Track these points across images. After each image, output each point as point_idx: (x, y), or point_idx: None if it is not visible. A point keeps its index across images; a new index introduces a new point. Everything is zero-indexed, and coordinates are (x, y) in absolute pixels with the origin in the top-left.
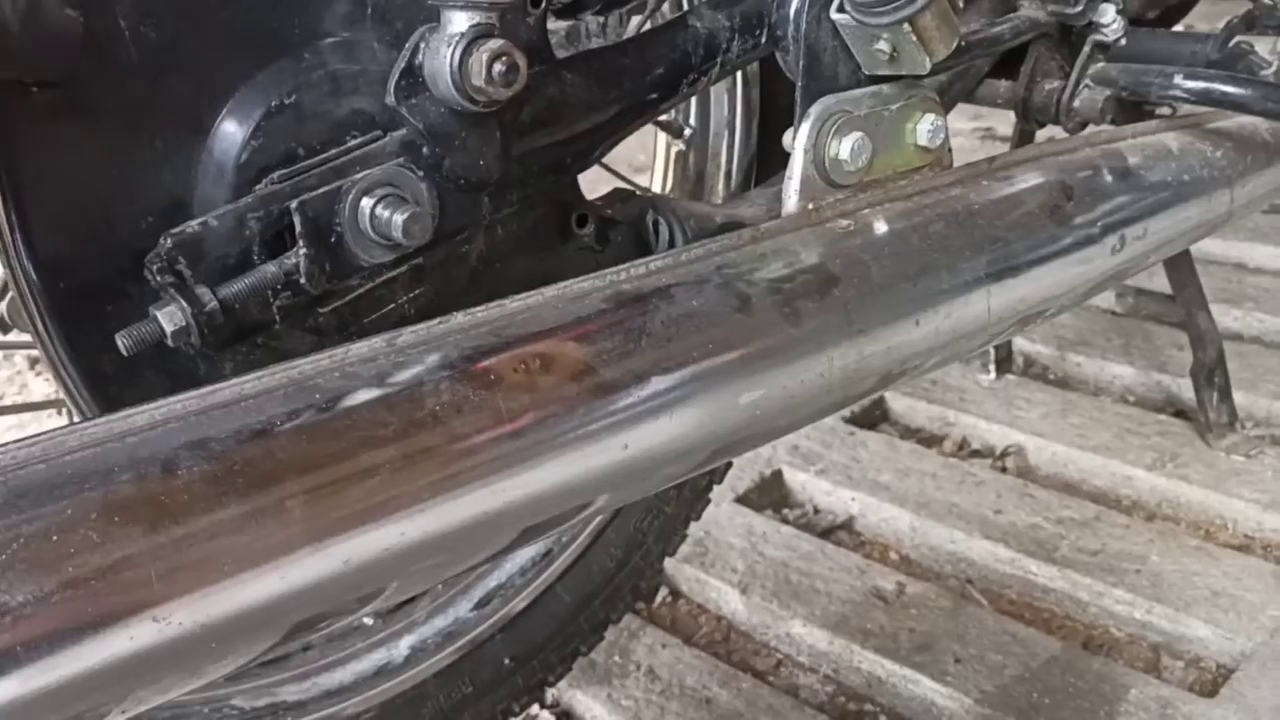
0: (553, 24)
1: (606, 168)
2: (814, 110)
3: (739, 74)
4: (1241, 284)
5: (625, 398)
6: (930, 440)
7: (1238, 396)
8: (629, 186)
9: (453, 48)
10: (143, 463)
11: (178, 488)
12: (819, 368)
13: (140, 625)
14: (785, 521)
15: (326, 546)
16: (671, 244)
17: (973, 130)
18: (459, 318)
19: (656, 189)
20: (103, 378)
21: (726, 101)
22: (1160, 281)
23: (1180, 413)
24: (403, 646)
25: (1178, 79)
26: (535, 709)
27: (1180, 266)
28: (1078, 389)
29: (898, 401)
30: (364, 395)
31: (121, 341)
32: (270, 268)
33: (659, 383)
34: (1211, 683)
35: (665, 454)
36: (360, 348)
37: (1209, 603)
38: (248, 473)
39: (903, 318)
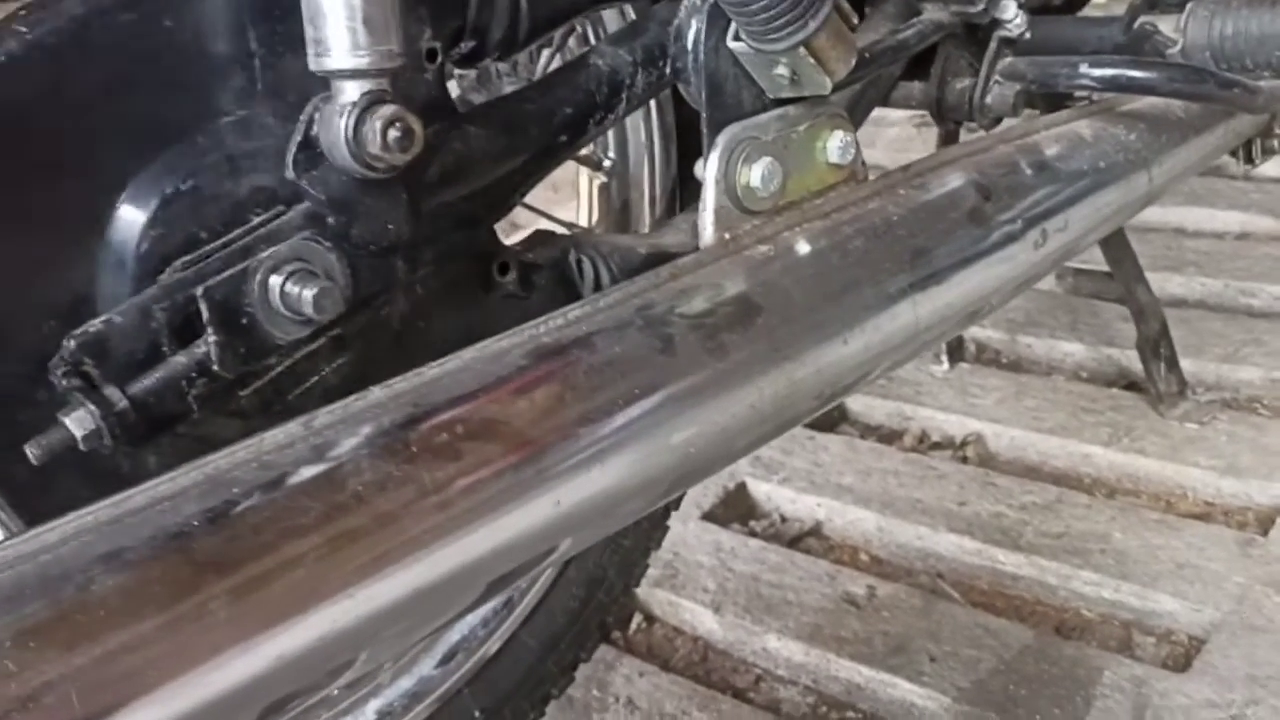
0: (461, 70)
1: (527, 205)
2: (721, 139)
3: (652, 102)
4: (1181, 249)
5: (553, 454)
6: (890, 436)
7: (1186, 363)
8: (551, 226)
9: (345, 118)
10: (55, 582)
11: (93, 603)
12: (749, 399)
13: None
14: (753, 534)
15: (255, 644)
16: (597, 281)
17: (909, 119)
18: (376, 392)
19: (583, 223)
20: (18, 489)
21: (643, 130)
22: (1099, 258)
23: (1132, 385)
24: (369, 712)
25: (1084, 68)
26: None
27: (1114, 243)
28: (1030, 370)
29: (855, 401)
30: (283, 484)
31: (31, 452)
32: (181, 359)
33: (586, 435)
34: (1184, 656)
35: (599, 505)
36: (276, 435)
37: (1175, 575)
38: (166, 579)
39: (830, 338)
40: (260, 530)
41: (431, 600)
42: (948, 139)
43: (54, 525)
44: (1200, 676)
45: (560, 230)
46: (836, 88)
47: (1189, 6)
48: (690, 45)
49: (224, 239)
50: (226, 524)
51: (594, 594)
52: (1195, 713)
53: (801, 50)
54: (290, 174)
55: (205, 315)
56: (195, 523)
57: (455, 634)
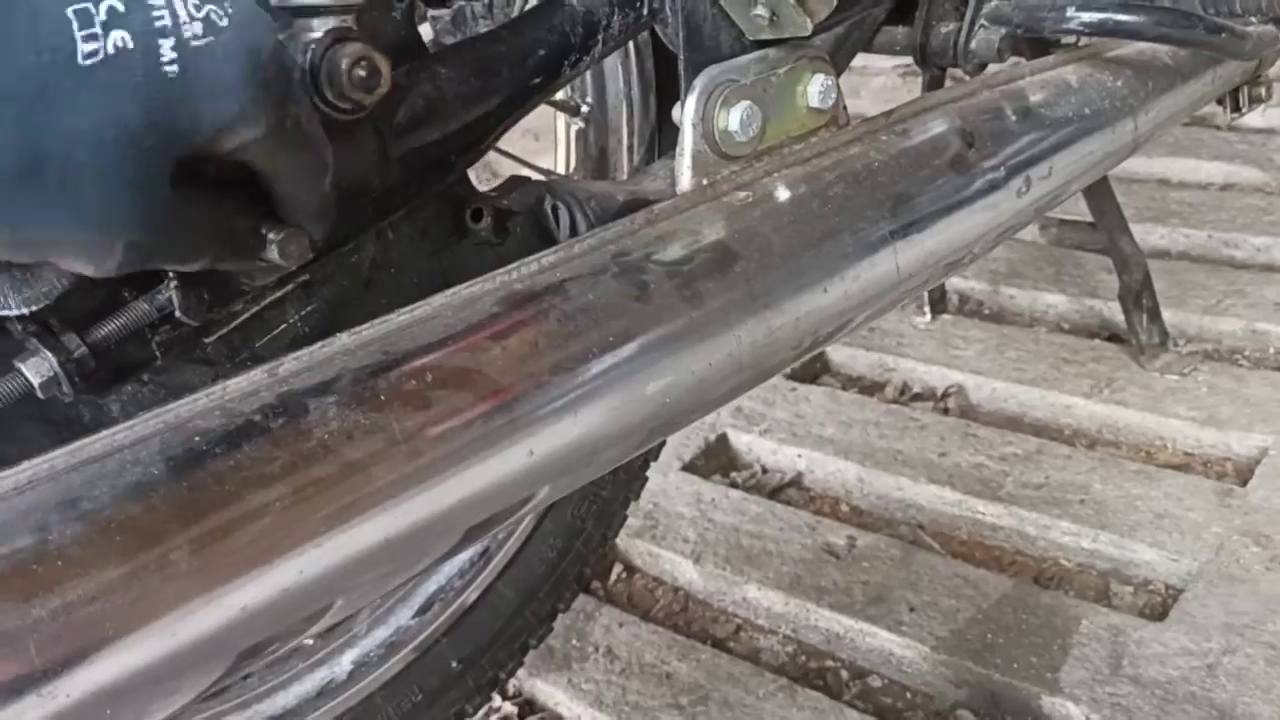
0: (435, 11)
1: (502, 152)
2: (699, 82)
3: (631, 45)
4: (1165, 199)
5: (526, 403)
6: (872, 388)
7: (1167, 314)
8: (526, 173)
9: (308, 55)
10: (9, 532)
11: (50, 554)
12: (727, 348)
13: (24, 704)
14: (734, 485)
15: (216, 596)
16: (573, 228)
17: (894, 68)
18: (343, 338)
19: (560, 170)
20: None
21: (621, 75)
22: (1083, 209)
23: (1114, 336)
24: (345, 662)
25: (1071, 11)
26: (498, 701)
27: (1098, 193)
28: (1013, 322)
29: (837, 352)
30: (247, 432)
31: None
32: (142, 305)
33: (560, 383)
34: (1161, 605)
35: (574, 455)
36: (239, 382)
37: (1153, 525)
38: (127, 529)
39: (809, 286)
40: (224, 479)
41: (403, 549)
42: (932, 85)
43: (9, 473)
44: (1177, 625)
45: (536, 176)
46: (818, 30)
47: None
48: None
49: None
50: (189, 473)
51: (572, 544)
52: (1172, 661)
53: None
54: None
55: None
56: (156, 471)
57: (432, 584)
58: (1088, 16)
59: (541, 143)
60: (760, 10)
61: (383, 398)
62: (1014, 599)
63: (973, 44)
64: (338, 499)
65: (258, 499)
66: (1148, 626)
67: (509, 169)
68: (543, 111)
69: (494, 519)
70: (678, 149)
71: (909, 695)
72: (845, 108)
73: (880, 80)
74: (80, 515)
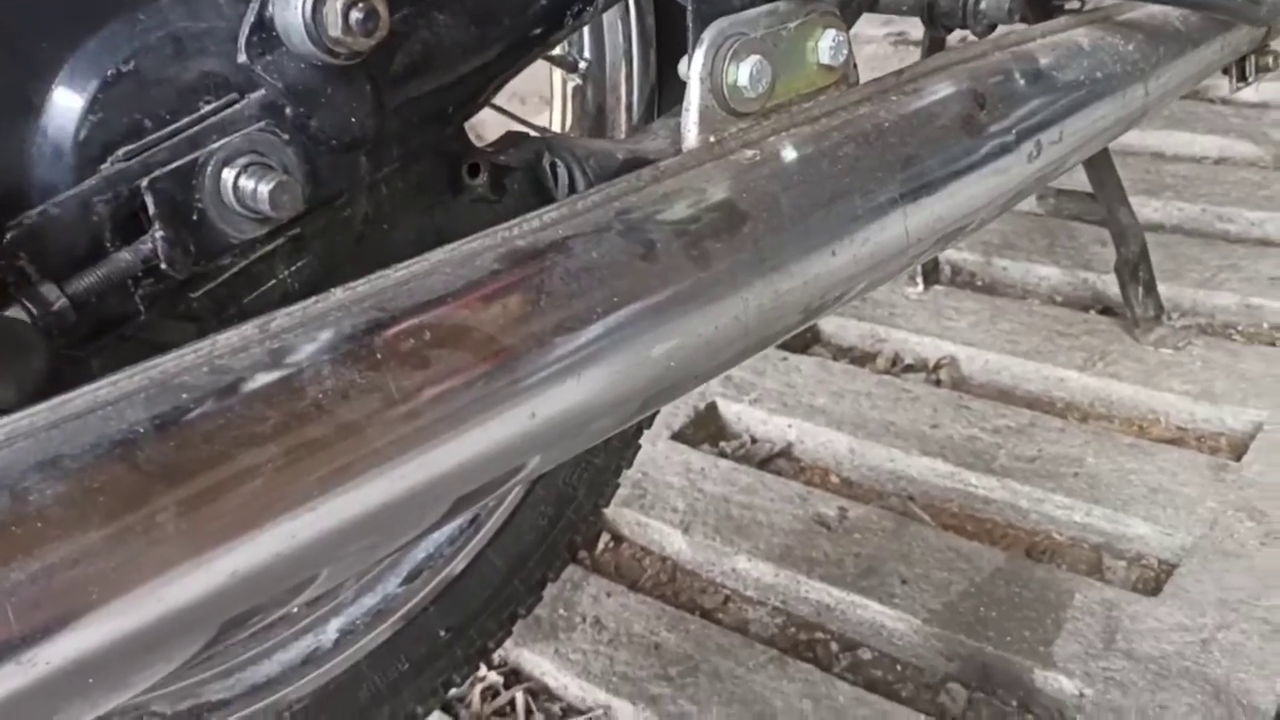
0: None
1: (498, 108)
2: (707, 35)
3: (631, 0)
4: (1160, 173)
5: (527, 363)
6: (863, 359)
7: (1163, 288)
8: (524, 128)
9: None
10: None
11: (30, 515)
12: (734, 310)
13: (2, 672)
14: (723, 455)
15: (207, 559)
16: (572, 187)
17: (885, 36)
18: (338, 293)
19: (556, 128)
20: None
21: (621, 30)
22: (1080, 180)
23: (1108, 309)
24: (331, 630)
25: None
26: (484, 671)
27: (1099, 163)
28: (1006, 293)
29: (828, 322)
30: (237, 390)
31: None
32: (125, 255)
33: (563, 344)
34: (1154, 580)
35: (576, 418)
36: (229, 337)
37: (1147, 500)
38: (110, 489)
39: (817, 249)
40: (212, 438)
41: (397, 516)
42: (933, 49)
43: None
44: (1171, 600)
45: (533, 133)
46: None
47: None
48: None
49: (172, 128)
50: (176, 431)
51: (563, 512)
52: (1166, 636)
53: None
54: (243, 58)
55: (151, 209)
56: (141, 429)
57: (420, 552)
58: None
59: (528, 106)
60: None
61: (379, 356)
62: (1007, 572)
63: (982, 5)
64: (333, 460)
65: (249, 459)
66: (1141, 601)
67: (498, 133)
68: (530, 74)
69: (493, 483)
70: (684, 104)
71: (900, 668)
72: (855, 65)
73: (871, 48)
74: (61, 474)
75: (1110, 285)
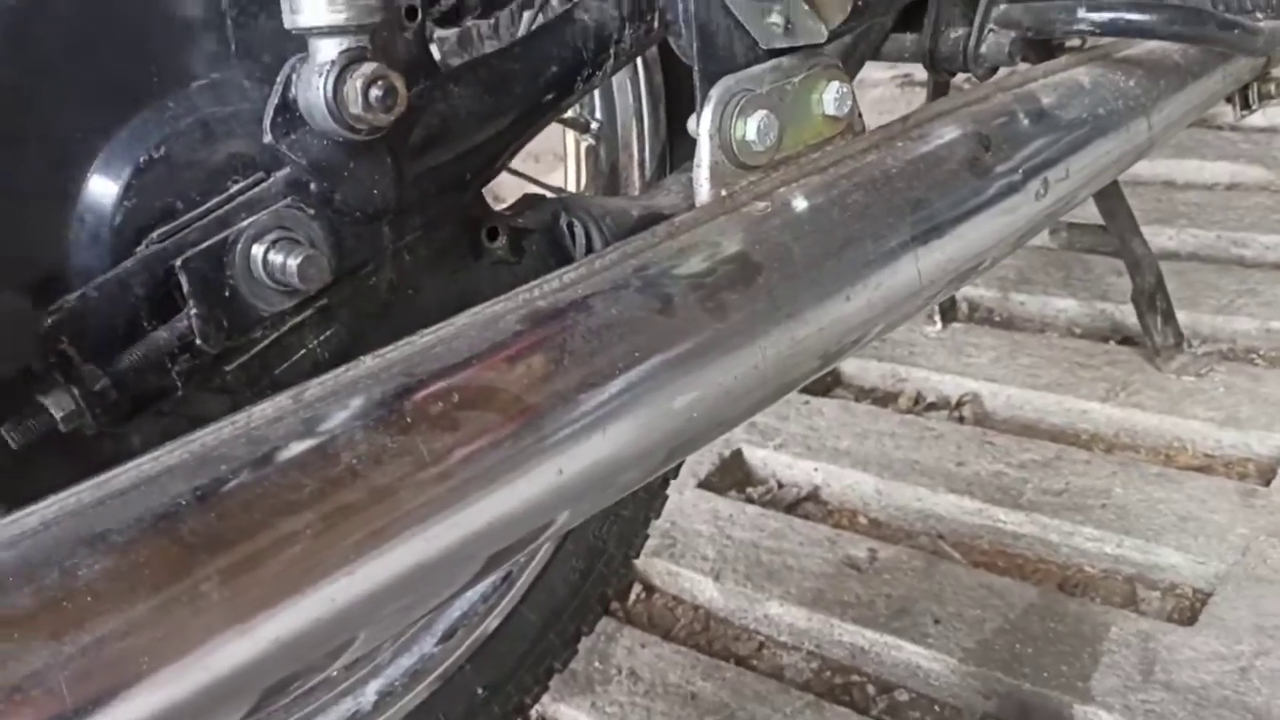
0: (441, 32)
1: (514, 172)
2: (714, 93)
3: (639, 59)
4: (1171, 201)
5: (553, 421)
6: (885, 399)
7: (1181, 316)
8: (540, 190)
9: (324, 77)
10: (38, 568)
11: (80, 589)
12: (752, 360)
13: None
14: (750, 501)
15: (249, 627)
16: (589, 245)
17: (891, 79)
18: (368, 361)
19: (571, 187)
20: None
21: (630, 89)
22: (1092, 212)
23: (1127, 339)
24: (370, 693)
25: (1081, 12)
26: None
27: (1109, 195)
28: (1024, 328)
29: (849, 364)
30: (274, 459)
31: (9, 436)
32: (162, 334)
33: (587, 400)
34: (1189, 609)
35: (602, 473)
36: (265, 409)
37: (1178, 529)
38: (155, 562)
39: (831, 295)
40: (251, 508)
41: (432, 576)
42: (937, 93)
43: (35, 509)
44: (1207, 629)
45: (549, 194)
46: (831, 37)
47: None
48: None
49: (202, 208)
50: (216, 502)
51: (594, 565)
52: (1204, 665)
53: None
54: (269, 138)
55: (185, 288)
56: (183, 502)
57: (455, 610)
58: (1098, 16)
59: (542, 164)
60: (775, 18)
61: (409, 420)
62: (1040, 607)
63: (983, 48)
64: (369, 524)
65: (287, 527)
66: (1177, 631)
67: (515, 193)
68: (543, 134)
69: (523, 541)
70: (695, 160)
71: (937, 708)
72: (860, 114)
73: (878, 91)
74: (108, 549)
75: (1129, 315)
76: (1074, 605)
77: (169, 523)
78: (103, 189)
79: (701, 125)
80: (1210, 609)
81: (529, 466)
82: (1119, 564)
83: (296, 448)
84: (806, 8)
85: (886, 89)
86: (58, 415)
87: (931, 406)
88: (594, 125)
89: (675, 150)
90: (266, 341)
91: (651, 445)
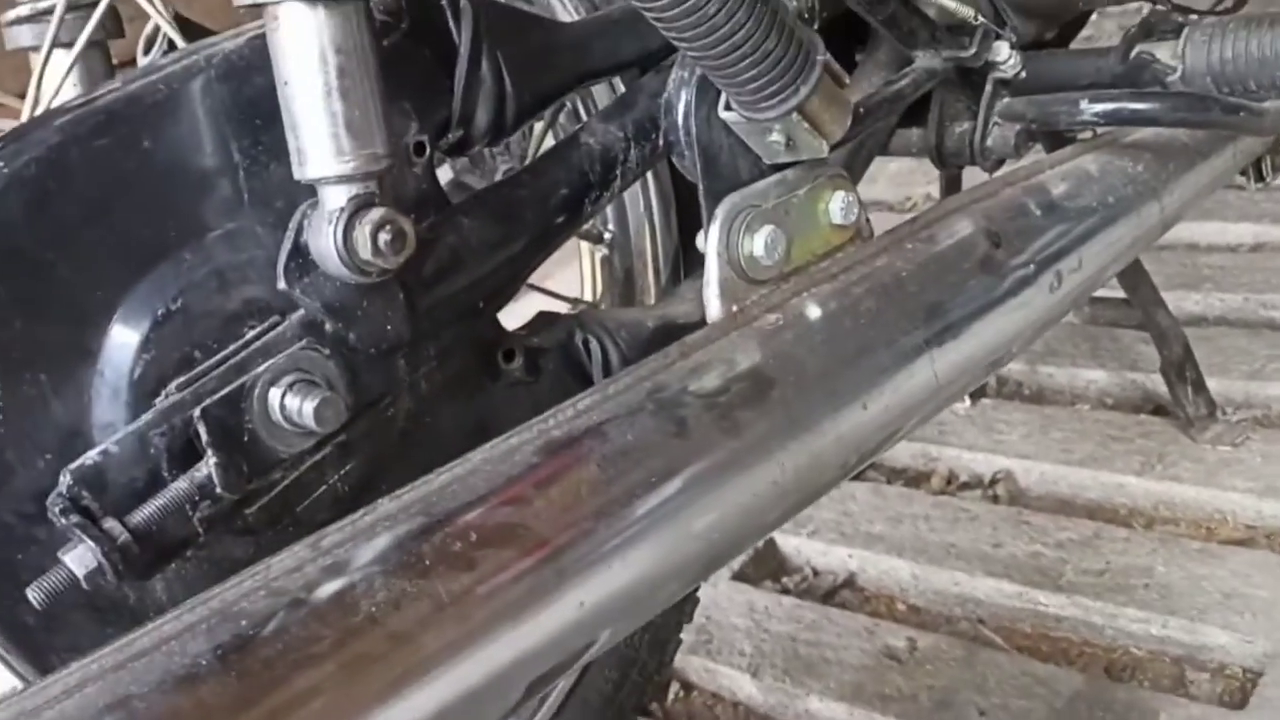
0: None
1: (533, 286)
2: (720, 211)
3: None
4: (1196, 265)
5: (572, 554)
6: (917, 479)
7: (1212, 383)
8: (554, 305)
9: (334, 225)
10: None
11: None
12: (771, 476)
13: None
14: (786, 591)
15: None
16: (605, 359)
17: None
18: (385, 503)
19: (587, 297)
20: (24, 630)
21: (641, 198)
22: (1114, 284)
23: (1160, 409)
24: None
25: (1084, 104)
26: None
27: (1130, 269)
28: (1054, 401)
29: None
30: (293, 611)
31: (34, 596)
32: (182, 484)
33: (605, 530)
34: (1240, 691)
35: (624, 601)
36: (283, 559)
37: (1223, 606)
38: None
39: (848, 404)
40: (273, 664)
41: (464, 712)
42: (950, 180)
43: (58, 677)
44: (1259, 712)
45: (564, 308)
46: (833, 146)
47: (1185, 32)
48: (681, 118)
49: (219, 356)
50: (237, 660)
51: (628, 675)
52: None
53: (795, 116)
54: (283, 284)
55: (204, 437)
56: (204, 662)
57: None
58: (1102, 107)
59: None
60: (776, 137)
61: (428, 562)
62: (1088, 695)
63: (989, 142)
64: (389, 672)
65: (309, 680)
66: (1229, 715)
67: (530, 295)
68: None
69: (552, 672)
70: (704, 278)
71: None
72: (868, 220)
73: (895, 165)
74: (132, 714)
75: (1159, 384)
76: (1122, 692)
77: (191, 684)
78: (122, 343)
79: (709, 243)
80: (1261, 690)
81: (549, 601)
82: (1165, 645)
83: (316, 598)
84: (807, 126)
85: (904, 162)
86: (80, 573)
87: (965, 486)
88: (607, 235)
89: (689, 255)
90: (286, 482)
91: (674, 569)
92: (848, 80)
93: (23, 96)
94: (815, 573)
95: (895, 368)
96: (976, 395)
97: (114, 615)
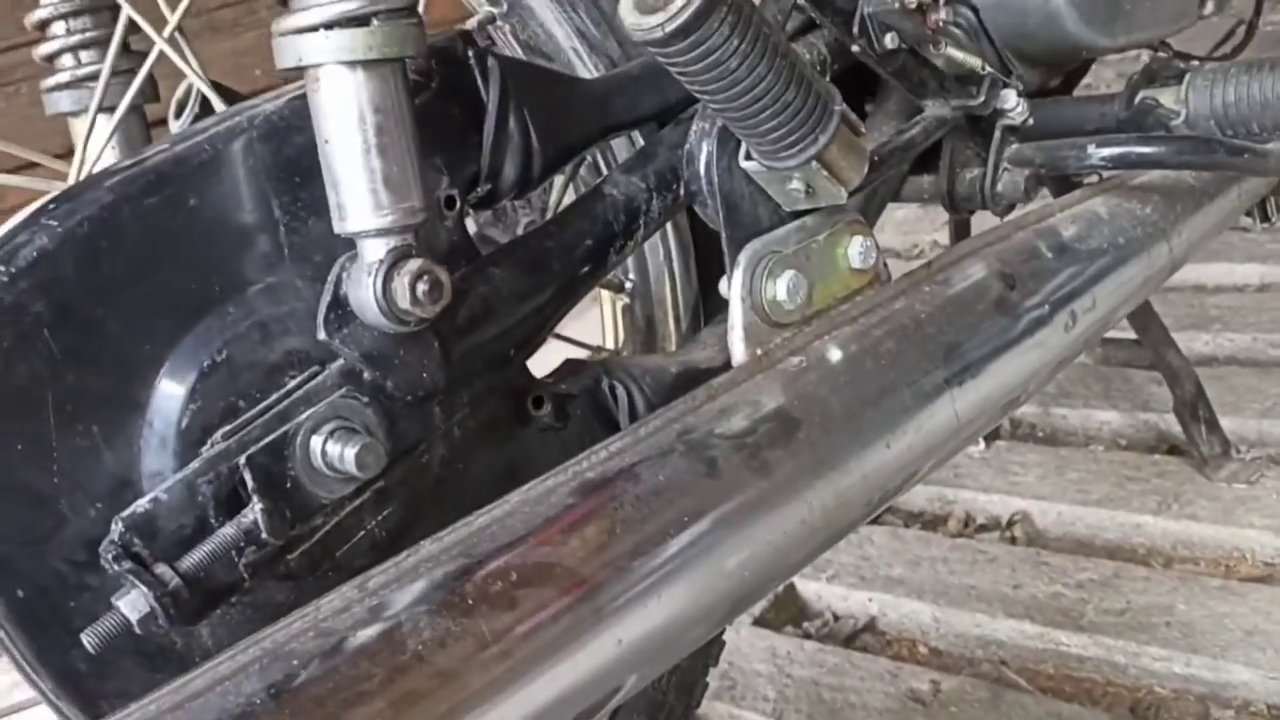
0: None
1: (559, 336)
2: (743, 257)
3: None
4: (1204, 306)
5: (608, 592)
6: (934, 522)
7: (1225, 422)
8: (579, 353)
9: (374, 276)
10: None
11: None
12: (799, 515)
13: None
14: (807, 636)
15: None
16: (631, 404)
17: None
18: (427, 545)
19: (610, 344)
20: (77, 677)
21: (661, 247)
22: (1124, 325)
23: (1174, 449)
24: None
25: (1091, 149)
26: None
27: (1139, 310)
28: (1068, 442)
29: None
30: (342, 650)
31: (88, 640)
32: (228, 530)
33: (640, 568)
34: None
35: (660, 638)
36: (331, 600)
37: (1245, 643)
38: None
39: (872, 444)
40: (325, 702)
41: None
42: (959, 225)
43: (116, 719)
44: None
45: (587, 356)
46: (851, 193)
47: (1188, 78)
48: (703, 168)
49: (263, 405)
50: (290, 699)
51: (655, 719)
52: None
53: (814, 164)
54: (322, 335)
55: (250, 484)
56: (258, 701)
57: None
58: (1109, 151)
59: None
60: (796, 185)
61: (470, 601)
62: None
63: (999, 187)
64: (437, 708)
65: (358, 717)
66: None
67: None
68: None
69: (589, 710)
70: (729, 323)
71: None
72: (886, 264)
73: (901, 213)
74: None
75: (1173, 424)
76: None
77: None
78: (170, 394)
79: (733, 288)
80: None
81: (588, 639)
82: (1189, 683)
83: (363, 636)
84: (826, 174)
85: (910, 210)
86: (133, 618)
87: (982, 528)
88: (628, 285)
89: (709, 301)
90: (327, 528)
91: (707, 607)
92: (863, 129)
93: (62, 159)
94: (836, 617)
95: (917, 407)
96: (991, 438)
97: (162, 662)
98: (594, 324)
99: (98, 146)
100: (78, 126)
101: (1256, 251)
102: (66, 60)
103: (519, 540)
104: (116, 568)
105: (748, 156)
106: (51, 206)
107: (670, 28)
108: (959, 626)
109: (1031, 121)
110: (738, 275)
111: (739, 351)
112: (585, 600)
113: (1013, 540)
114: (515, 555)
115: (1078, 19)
